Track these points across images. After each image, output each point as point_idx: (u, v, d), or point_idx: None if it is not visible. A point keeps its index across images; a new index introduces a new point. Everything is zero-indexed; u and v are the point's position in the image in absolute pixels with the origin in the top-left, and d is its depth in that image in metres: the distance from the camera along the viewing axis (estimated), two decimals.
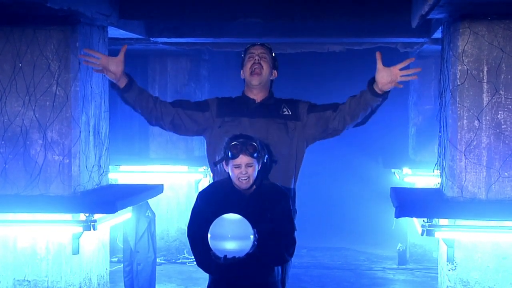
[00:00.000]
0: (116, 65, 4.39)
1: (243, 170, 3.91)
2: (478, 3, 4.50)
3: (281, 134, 4.36)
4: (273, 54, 4.52)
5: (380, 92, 4.31)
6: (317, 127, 4.45)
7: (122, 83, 4.43)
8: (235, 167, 3.93)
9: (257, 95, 4.48)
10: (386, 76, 4.26)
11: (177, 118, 4.52)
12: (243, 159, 3.91)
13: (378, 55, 4.28)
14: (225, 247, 3.74)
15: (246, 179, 3.92)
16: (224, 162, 4.00)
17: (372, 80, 4.35)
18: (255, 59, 4.43)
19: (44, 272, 5.31)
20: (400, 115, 9.59)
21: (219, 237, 3.74)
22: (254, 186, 3.97)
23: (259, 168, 3.99)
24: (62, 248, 5.30)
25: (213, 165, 4.21)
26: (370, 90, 4.33)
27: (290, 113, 4.44)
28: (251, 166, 3.93)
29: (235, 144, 3.92)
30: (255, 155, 3.93)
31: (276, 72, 4.54)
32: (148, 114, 4.52)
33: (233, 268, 3.78)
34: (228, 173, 4.00)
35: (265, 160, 4.04)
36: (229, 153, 3.92)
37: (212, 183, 4.24)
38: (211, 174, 4.60)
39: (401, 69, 4.28)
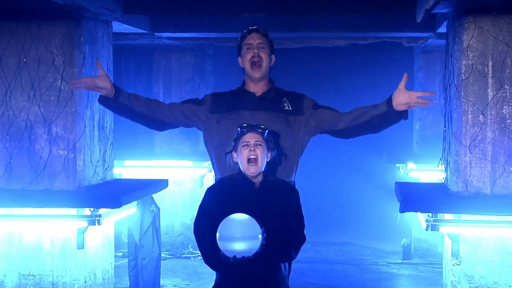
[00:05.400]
0: (103, 80, 4.41)
1: (252, 147, 3.92)
2: None
3: (282, 126, 4.35)
4: (269, 38, 4.49)
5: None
6: (324, 121, 4.44)
7: (111, 93, 4.45)
8: (244, 146, 3.94)
9: (257, 87, 4.46)
10: (403, 98, 4.26)
11: (174, 109, 4.52)
12: (252, 135, 3.95)
13: (405, 77, 4.29)
14: (234, 248, 3.73)
15: (254, 158, 3.92)
16: (233, 153, 4.00)
17: (388, 99, 4.34)
18: (254, 52, 4.41)
19: (49, 267, 5.33)
20: None
21: (228, 238, 3.73)
22: (262, 177, 3.97)
23: (268, 159, 3.99)
24: (67, 243, 5.31)
25: (224, 156, 4.20)
26: (387, 104, 4.31)
27: (291, 109, 4.43)
28: (260, 145, 3.94)
29: (245, 125, 4.01)
30: (264, 135, 3.97)
31: (274, 57, 4.52)
32: (149, 111, 4.49)
33: (242, 267, 3.78)
34: (237, 168, 4.00)
35: (274, 155, 4.05)
36: (239, 132, 3.97)
37: (221, 178, 4.22)
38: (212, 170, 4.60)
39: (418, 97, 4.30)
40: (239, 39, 4.49)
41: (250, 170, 3.94)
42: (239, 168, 4.00)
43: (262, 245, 3.74)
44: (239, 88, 4.53)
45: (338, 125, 4.43)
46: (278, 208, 3.90)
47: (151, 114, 4.51)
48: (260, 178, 3.99)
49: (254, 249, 3.73)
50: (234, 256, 3.73)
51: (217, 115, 4.42)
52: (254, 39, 4.43)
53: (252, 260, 3.74)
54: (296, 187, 4.43)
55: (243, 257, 3.73)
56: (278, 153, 4.17)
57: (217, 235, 3.74)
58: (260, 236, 3.73)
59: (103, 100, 4.47)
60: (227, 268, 3.83)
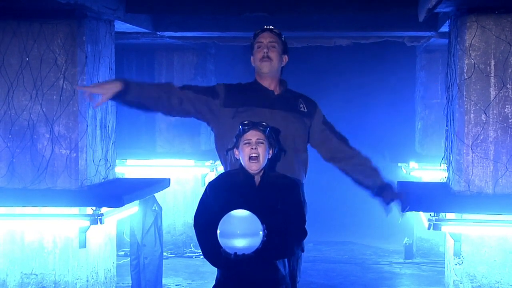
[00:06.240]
0: (107, 98, 4.25)
1: (253, 145, 3.92)
2: None
3: (299, 127, 4.35)
4: (283, 38, 4.43)
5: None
6: (319, 140, 4.50)
7: (119, 86, 4.25)
8: (246, 144, 3.93)
9: (271, 85, 4.40)
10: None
11: (186, 100, 4.36)
12: (253, 133, 3.94)
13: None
14: (235, 245, 3.71)
15: (256, 156, 3.91)
16: (235, 149, 4.00)
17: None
18: (264, 51, 4.37)
19: (51, 266, 5.34)
20: (406, 109, 9.56)
21: (229, 234, 3.71)
22: (263, 172, 3.97)
23: (270, 156, 3.99)
24: (69, 242, 5.32)
25: (225, 152, 4.19)
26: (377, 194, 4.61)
27: (306, 110, 4.43)
28: (262, 143, 3.94)
29: (247, 122, 4.00)
30: (266, 132, 3.97)
31: (286, 57, 4.46)
32: (156, 108, 4.40)
33: (243, 263, 3.78)
34: (239, 163, 4.00)
35: (275, 152, 4.05)
36: (241, 129, 3.97)
37: (222, 173, 4.21)
38: (222, 166, 4.58)
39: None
40: (252, 37, 4.47)
41: (252, 168, 3.94)
42: (240, 163, 4.01)
43: (263, 242, 3.73)
44: (252, 82, 4.43)
45: (331, 158, 4.60)
46: (279, 204, 3.90)
47: (159, 111, 4.42)
48: (261, 174, 3.99)
49: (255, 245, 3.71)
50: (235, 253, 3.72)
51: (232, 110, 4.31)
52: (265, 38, 4.37)
53: (253, 257, 3.74)
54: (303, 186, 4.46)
55: (244, 254, 3.72)
56: (279, 150, 4.18)
57: (218, 231, 3.74)
58: (261, 232, 3.72)
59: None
60: (227, 264, 3.83)
